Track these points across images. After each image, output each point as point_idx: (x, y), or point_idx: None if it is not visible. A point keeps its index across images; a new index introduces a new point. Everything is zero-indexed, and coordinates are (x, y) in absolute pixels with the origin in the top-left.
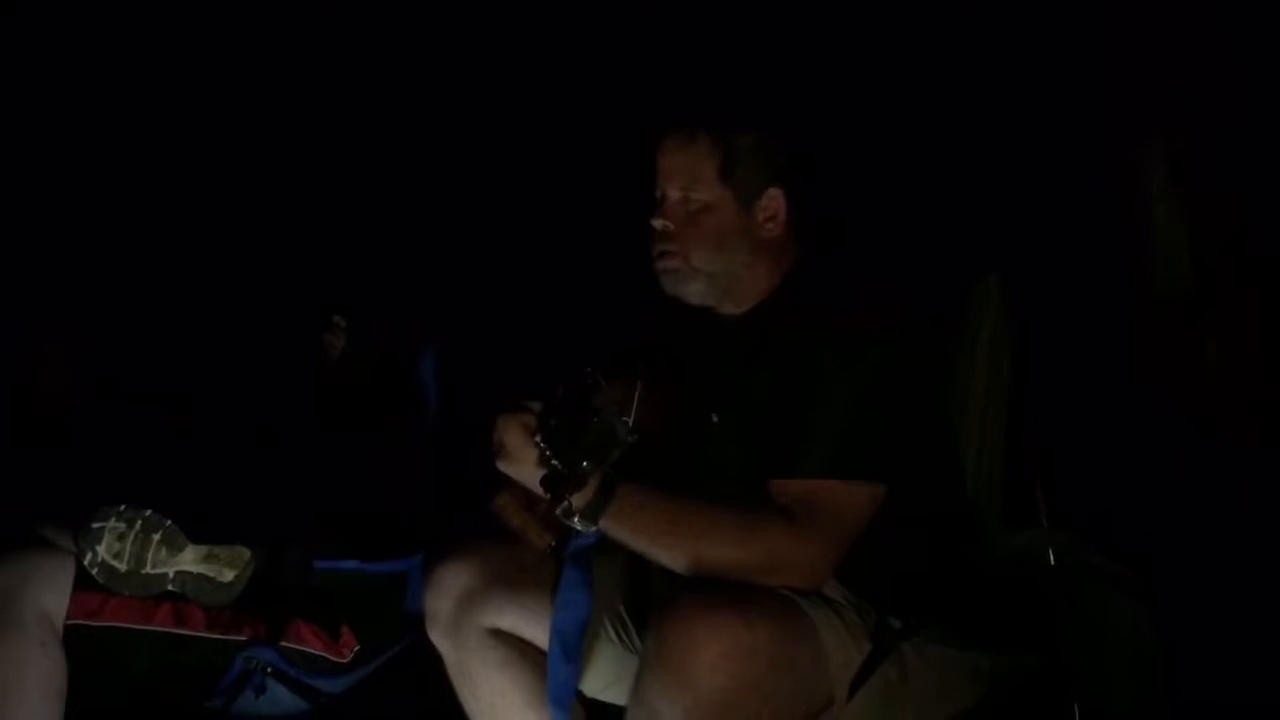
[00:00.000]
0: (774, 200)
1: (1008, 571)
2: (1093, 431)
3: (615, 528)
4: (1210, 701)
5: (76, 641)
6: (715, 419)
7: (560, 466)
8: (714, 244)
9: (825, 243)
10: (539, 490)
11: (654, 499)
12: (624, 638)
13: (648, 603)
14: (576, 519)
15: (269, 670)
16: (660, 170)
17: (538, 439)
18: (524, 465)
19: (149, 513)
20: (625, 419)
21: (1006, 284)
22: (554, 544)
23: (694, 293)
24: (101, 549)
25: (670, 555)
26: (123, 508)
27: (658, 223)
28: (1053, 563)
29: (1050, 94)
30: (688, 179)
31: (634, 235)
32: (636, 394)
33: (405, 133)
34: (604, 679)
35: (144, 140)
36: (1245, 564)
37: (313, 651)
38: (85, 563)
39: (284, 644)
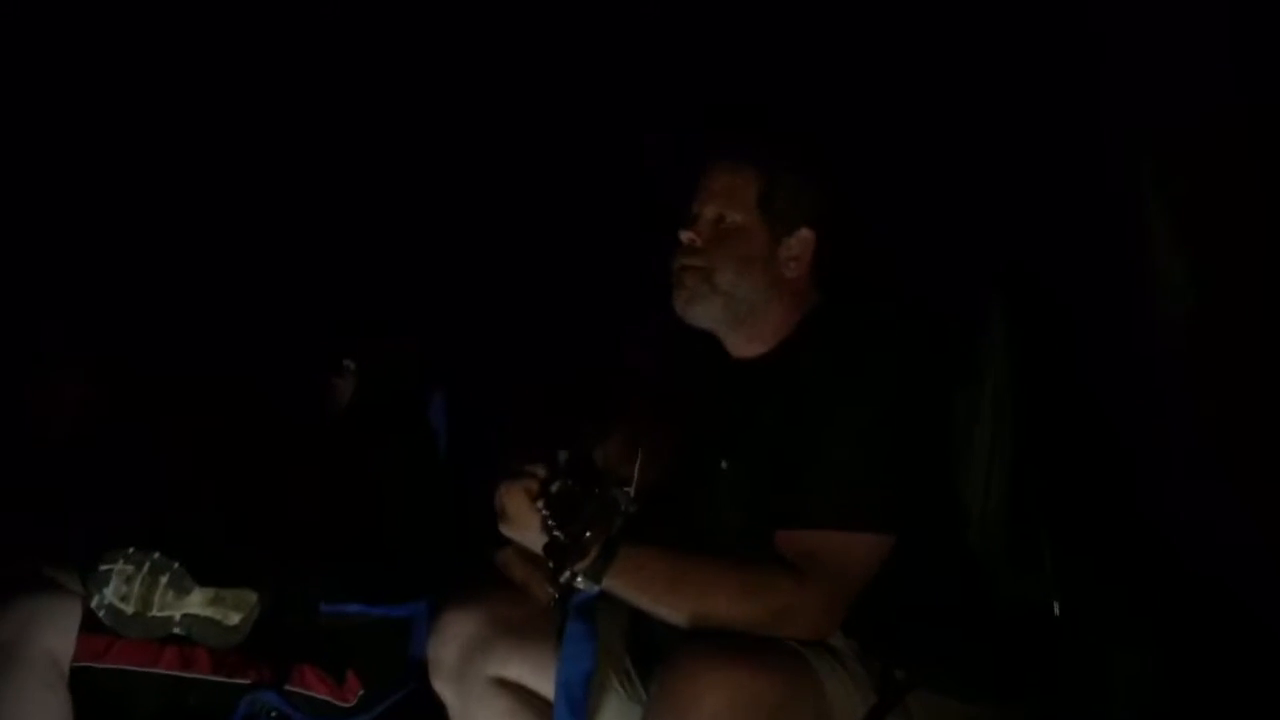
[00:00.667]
0: (803, 241)
1: (1013, 618)
2: (1101, 472)
3: (617, 587)
4: None
5: (82, 683)
6: (724, 465)
7: (563, 537)
8: (738, 267)
9: (843, 289)
10: (541, 556)
11: (656, 558)
12: (628, 688)
13: (652, 653)
14: (580, 580)
15: (273, 714)
16: (702, 188)
17: (540, 505)
18: (527, 532)
19: (157, 555)
20: (627, 489)
21: (1016, 317)
22: (558, 596)
23: (708, 314)
24: (109, 591)
25: (673, 613)
26: (131, 550)
27: (687, 235)
28: (1057, 612)
29: (1050, 103)
30: (726, 200)
31: (643, 278)
32: (638, 463)
33: (417, 167)
34: None
35: (156, 171)
36: (1263, 601)
37: (317, 696)
38: (92, 605)
39: (288, 687)
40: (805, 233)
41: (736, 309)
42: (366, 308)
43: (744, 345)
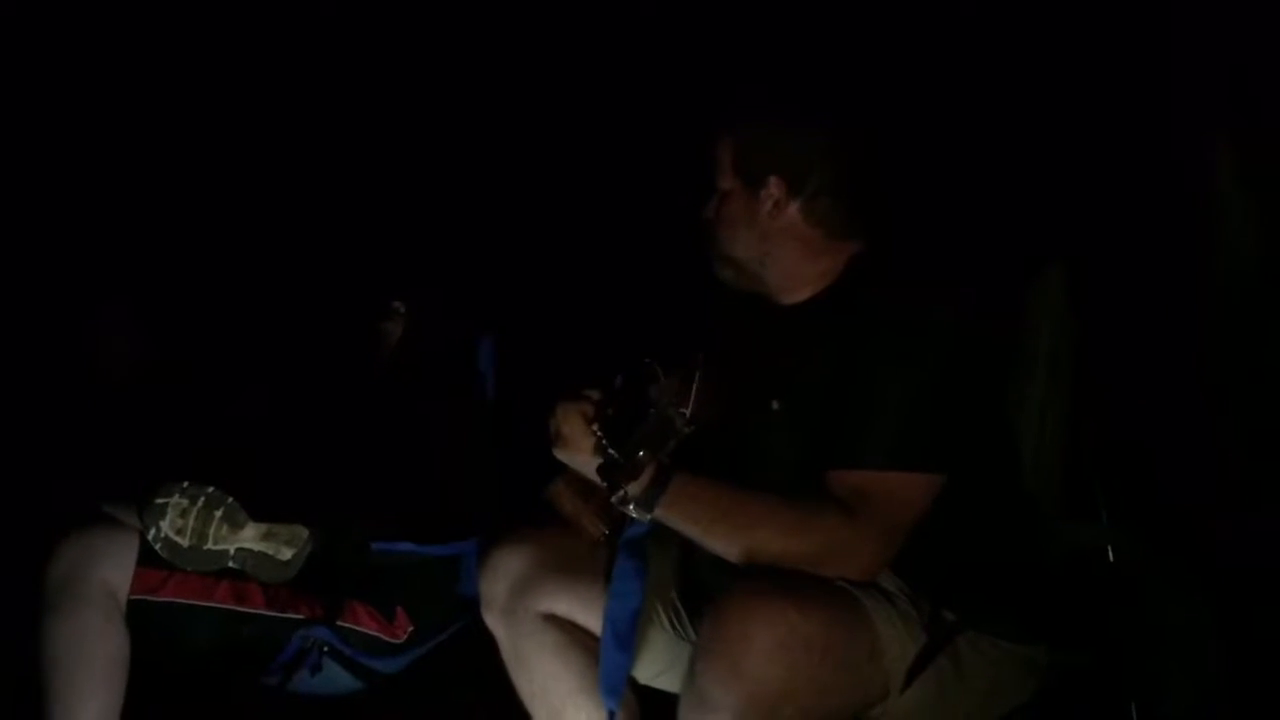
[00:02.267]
0: (775, 187)
1: (1066, 566)
2: (1154, 425)
3: (670, 516)
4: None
5: (139, 616)
6: (776, 406)
7: (617, 455)
8: (729, 231)
9: (889, 234)
10: (595, 478)
11: (709, 488)
12: (677, 626)
13: (701, 592)
14: (632, 507)
15: (325, 649)
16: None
17: (595, 428)
18: (581, 454)
19: (211, 489)
20: (683, 410)
21: (1070, 274)
22: (607, 533)
23: (728, 279)
24: (165, 524)
25: (724, 544)
26: (186, 484)
27: (705, 213)
28: (1112, 559)
29: (1121, 87)
30: (718, 171)
31: (693, 223)
32: (694, 385)
33: (466, 119)
34: (656, 666)
35: (212, 123)
36: None
37: (368, 632)
38: (149, 538)
39: (340, 623)
40: (773, 179)
41: (747, 268)
42: (416, 252)
43: (785, 295)
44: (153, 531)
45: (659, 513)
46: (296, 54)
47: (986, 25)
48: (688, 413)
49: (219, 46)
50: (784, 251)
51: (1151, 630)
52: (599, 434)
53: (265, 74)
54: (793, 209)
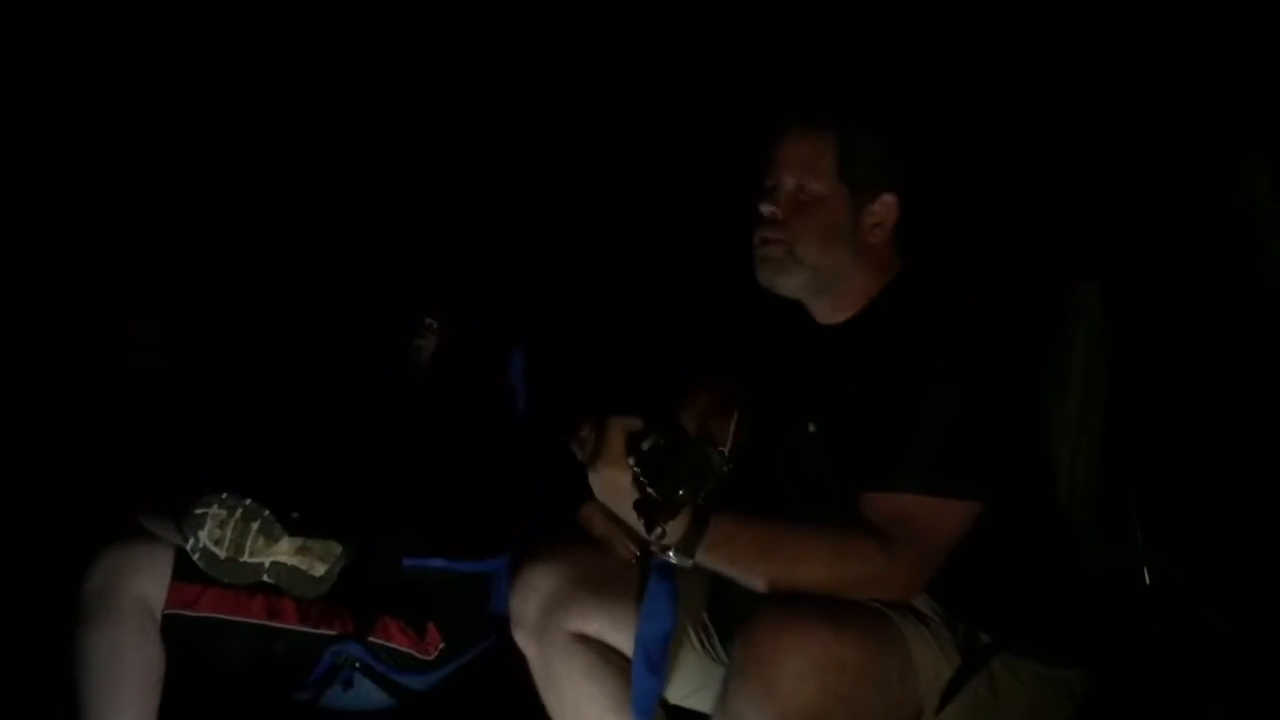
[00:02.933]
0: (886, 206)
1: (1101, 587)
2: (1191, 444)
3: (710, 560)
4: None
5: (173, 630)
6: (812, 428)
7: (655, 494)
8: (821, 238)
9: (928, 254)
10: (629, 516)
11: (746, 527)
12: (708, 646)
13: (732, 612)
14: (672, 554)
15: (357, 665)
16: (777, 160)
17: (632, 463)
18: (618, 493)
19: (249, 501)
20: (721, 449)
21: (1105, 290)
22: (639, 554)
23: (792, 285)
24: (204, 535)
25: (764, 582)
26: (225, 495)
27: (767, 209)
28: (1148, 581)
29: (1157, 97)
30: (805, 170)
31: (726, 240)
32: (733, 424)
33: (500, 134)
34: (688, 687)
35: (252, 139)
36: None
37: (399, 648)
38: (188, 547)
39: (372, 639)
40: (888, 198)
41: (821, 279)
42: (449, 268)
43: (830, 312)
44: (191, 542)
45: (700, 557)
46: (336, 74)
47: (1022, 36)
48: (726, 450)
49: (261, 64)
50: (863, 270)
51: (1188, 652)
52: (636, 470)
53: (304, 90)
54: (890, 226)
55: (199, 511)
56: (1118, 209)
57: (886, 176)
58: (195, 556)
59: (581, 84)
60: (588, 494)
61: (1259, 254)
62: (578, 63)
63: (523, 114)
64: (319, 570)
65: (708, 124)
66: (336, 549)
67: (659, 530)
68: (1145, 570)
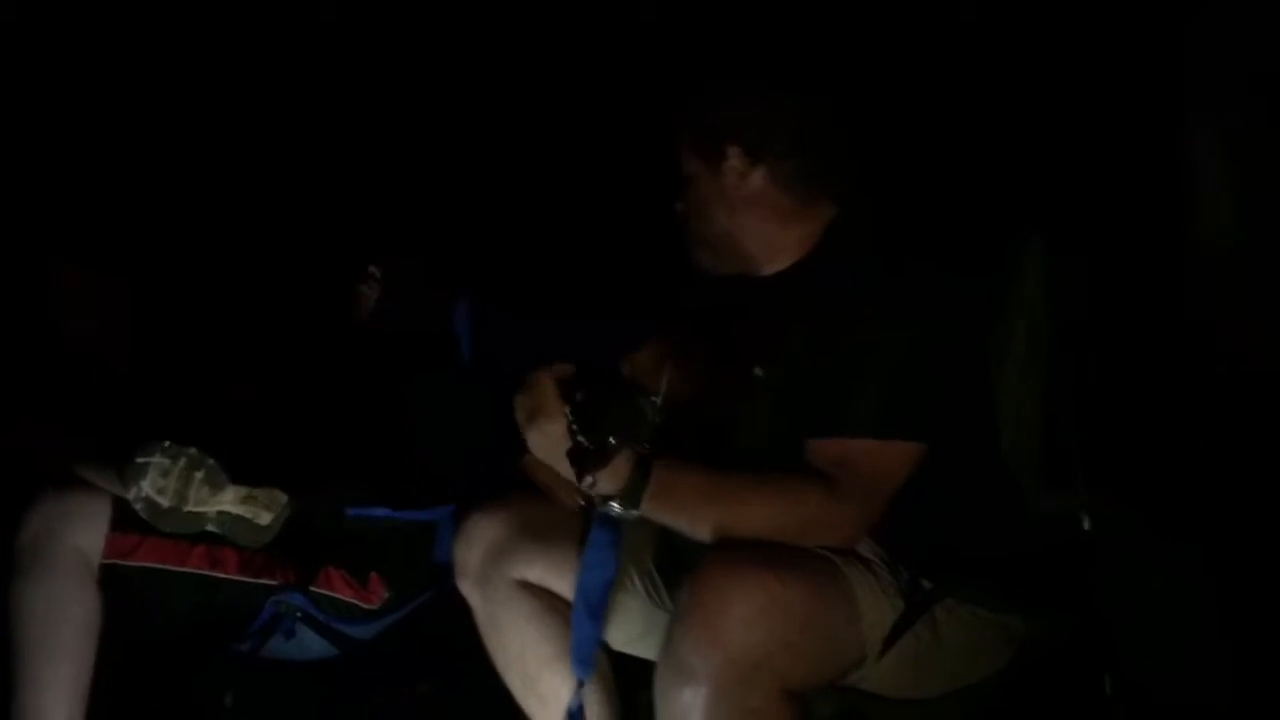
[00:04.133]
0: (735, 157)
1: (1044, 535)
2: (1133, 395)
3: (655, 510)
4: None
5: (111, 581)
6: (759, 373)
7: (586, 443)
8: (699, 214)
9: (866, 198)
10: (563, 465)
11: (689, 475)
12: (654, 594)
13: (677, 559)
14: (615, 505)
15: (299, 615)
16: None
17: (565, 412)
18: (551, 442)
19: (193, 450)
20: (654, 399)
21: (1050, 243)
22: (583, 502)
23: (706, 262)
24: (146, 484)
25: (708, 531)
26: (167, 444)
27: (677, 206)
28: (1087, 528)
29: (1105, 57)
30: (683, 160)
31: (668, 216)
32: (666, 374)
33: (446, 85)
34: (632, 633)
35: (183, 84)
36: None
37: (342, 598)
38: (130, 496)
39: (314, 589)
40: (732, 149)
41: (724, 247)
42: (392, 216)
43: (765, 266)
44: (133, 491)
45: (644, 507)
46: (274, 21)
47: None
48: (659, 400)
49: (203, 6)
50: (755, 222)
51: (1126, 599)
52: (569, 419)
53: (247, 31)
54: (757, 176)
55: (141, 460)
56: (1064, 163)
57: (726, 131)
58: (138, 506)
59: (524, 40)
60: None
61: (1204, 210)
62: (520, 19)
63: (468, 60)
64: (264, 519)
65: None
66: (282, 498)
67: (590, 480)
68: (1085, 518)
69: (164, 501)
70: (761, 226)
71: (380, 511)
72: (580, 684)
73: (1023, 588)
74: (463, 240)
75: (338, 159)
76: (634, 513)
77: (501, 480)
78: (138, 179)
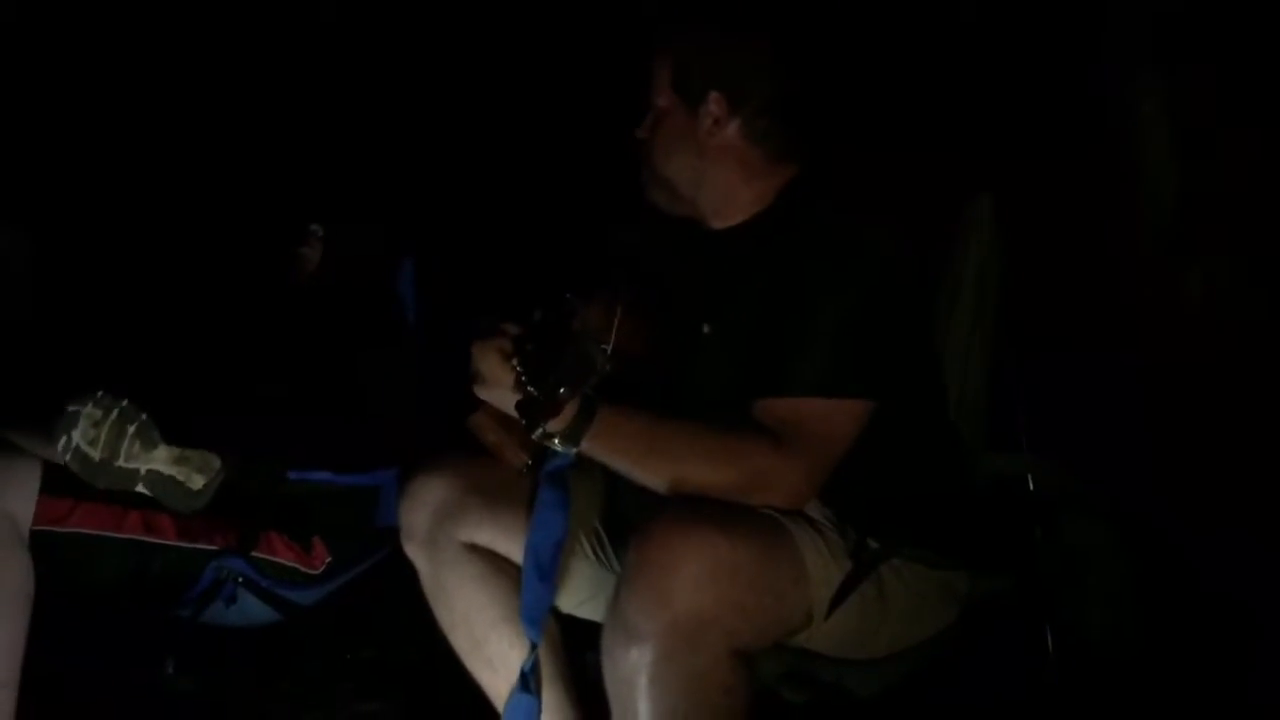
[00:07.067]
0: (715, 103)
1: (988, 495)
2: (1077, 357)
3: (595, 449)
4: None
5: (43, 548)
6: (707, 329)
7: (536, 393)
8: (665, 150)
9: (824, 159)
10: (515, 415)
11: (634, 421)
12: (600, 555)
13: (625, 520)
14: (556, 441)
15: (240, 580)
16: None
17: (514, 364)
18: (500, 390)
19: (125, 403)
20: (604, 346)
21: (997, 206)
22: (530, 463)
23: (662, 199)
24: (77, 434)
25: (651, 476)
26: (100, 394)
27: (638, 132)
28: (1032, 488)
29: (1049, 18)
30: (655, 89)
31: (619, 146)
32: (615, 320)
33: (387, 42)
34: (579, 595)
35: (117, 43)
36: (1229, 492)
37: (284, 562)
38: (59, 446)
39: (255, 554)
40: (715, 95)
41: (682, 188)
42: (335, 176)
43: (717, 219)
44: (63, 440)
45: (584, 445)
46: None
47: None
48: (609, 349)
49: None
50: (720, 172)
51: (1070, 557)
52: (518, 370)
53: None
54: (732, 127)
55: (73, 409)
56: (1012, 122)
57: (711, 74)
58: (67, 458)
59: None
60: (478, 403)
61: (1145, 167)
62: None
63: (413, 28)
64: (197, 483)
65: (602, 29)
66: (216, 462)
67: (540, 430)
68: (1030, 479)
69: (94, 453)
70: (725, 177)
71: (322, 475)
72: (533, 646)
73: (967, 547)
74: (406, 196)
75: (281, 117)
76: (574, 450)
77: (448, 442)
78: (71, 135)
